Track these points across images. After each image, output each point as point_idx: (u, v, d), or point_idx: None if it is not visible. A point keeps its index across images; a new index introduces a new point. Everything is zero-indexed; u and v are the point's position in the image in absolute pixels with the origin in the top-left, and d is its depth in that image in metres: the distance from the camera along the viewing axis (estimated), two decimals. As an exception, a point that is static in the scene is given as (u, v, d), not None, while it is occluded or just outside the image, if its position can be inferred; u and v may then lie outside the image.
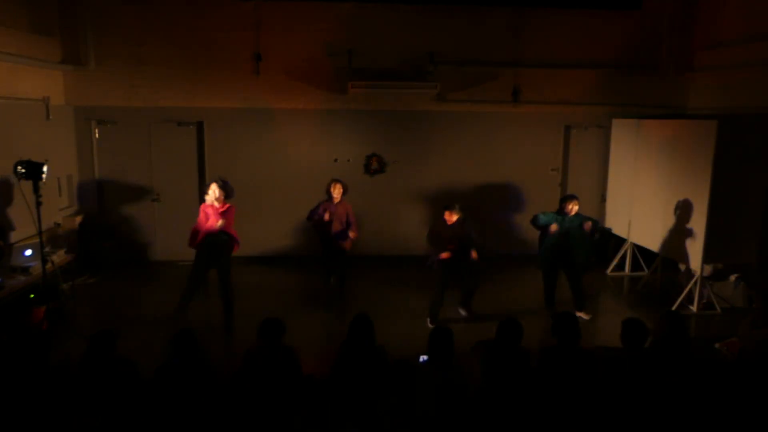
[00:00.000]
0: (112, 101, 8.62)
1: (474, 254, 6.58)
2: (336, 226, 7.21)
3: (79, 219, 8.46)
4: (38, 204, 5.34)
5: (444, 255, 6.52)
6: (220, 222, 6.29)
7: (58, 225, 8.00)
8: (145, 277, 8.44)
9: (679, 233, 7.38)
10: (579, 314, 6.86)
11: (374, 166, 9.10)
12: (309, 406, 4.06)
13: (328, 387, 4.19)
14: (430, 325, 6.49)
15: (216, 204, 6.44)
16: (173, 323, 6.48)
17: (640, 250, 8.61)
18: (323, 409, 4.05)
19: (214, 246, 6.49)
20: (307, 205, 8.88)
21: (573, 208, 6.80)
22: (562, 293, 7.21)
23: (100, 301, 7.50)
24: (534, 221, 6.96)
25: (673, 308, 7.13)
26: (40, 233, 5.59)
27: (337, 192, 7.25)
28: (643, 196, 8.16)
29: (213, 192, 6.42)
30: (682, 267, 7.83)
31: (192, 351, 4.09)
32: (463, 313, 6.83)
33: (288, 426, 3.92)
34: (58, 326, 6.15)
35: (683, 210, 7.30)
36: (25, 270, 6.23)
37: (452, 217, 6.60)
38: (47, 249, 6.16)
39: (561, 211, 6.88)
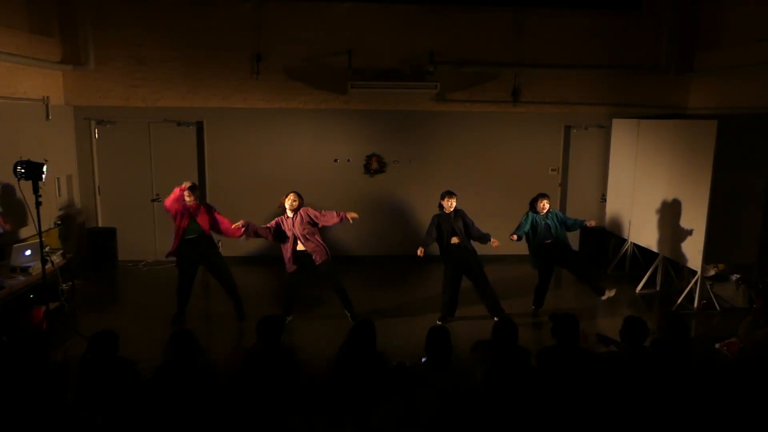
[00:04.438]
0: (112, 101, 8.62)
1: (495, 242, 6.68)
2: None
3: (79, 219, 8.46)
4: (38, 204, 5.33)
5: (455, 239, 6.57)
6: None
7: (58, 225, 8.00)
8: (145, 277, 8.43)
9: (679, 233, 7.38)
10: (605, 296, 6.97)
11: (374, 166, 9.10)
12: (308, 407, 4.06)
13: (327, 389, 4.18)
14: (439, 321, 6.50)
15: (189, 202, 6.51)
16: (173, 323, 6.52)
17: (639, 251, 8.61)
18: (322, 409, 4.05)
19: (190, 246, 6.55)
20: (307, 205, 8.89)
21: (544, 205, 6.88)
22: (562, 293, 7.22)
23: (100, 301, 7.50)
24: (518, 232, 6.97)
25: (673, 308, 7.14)
26: (39, 233, 5.58)
27: (290, 204, 6.48)
28: (643, 196, 8.16)
29: (187, 194, 6.48)
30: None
31: (190, 351, 4.08)
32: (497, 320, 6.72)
33: (287, 426, 3.91)
34: (58, 326, 6.15)
35: (683, 210, 7.31)
36: (25, 270, 6.22)
37: (453, 203, 6.61)
38: (47, 249, 6.15)
39: (533, 209, 6.97)
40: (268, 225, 6.58)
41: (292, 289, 6.65)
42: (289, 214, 6.48)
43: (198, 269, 6.79)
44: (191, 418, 3.86)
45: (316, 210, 6.54)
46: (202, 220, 6.57)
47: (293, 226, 6.47)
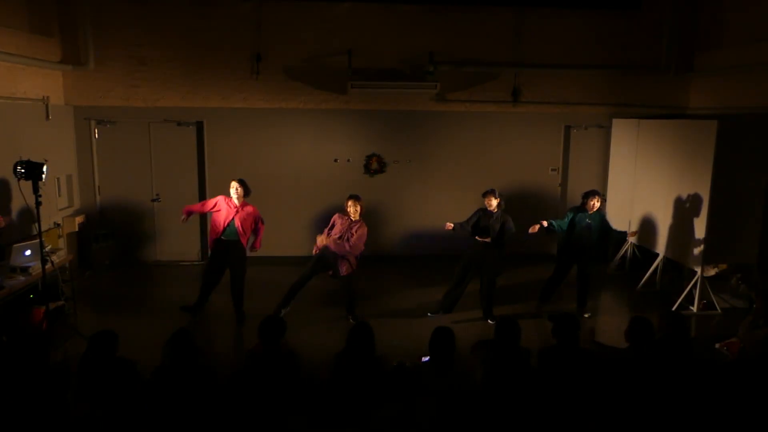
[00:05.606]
0: (112, 101, 8.61)
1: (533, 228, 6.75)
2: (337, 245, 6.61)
3: (79, 219, 8.46)
4: (38, 204, 5.33)
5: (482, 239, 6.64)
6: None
7: (58, 225, 8.00)
8: (145, 278, 8.43)
9: (679, 233, 7.39)
10: (584, 315, 6.97)
11: (374, 166, 9.10)
12: (309, 408, 4.06)
13: (328, 392, 4.16)
14: (429, 314, 6.52)
15: (236, 201, 6.64)
16: (174, 323, 6.51)
17: (640, 250, 8.61)
18: (323, 411, 4.04)
19: (226, 246, 6.65)
20: (307, 204, 8.90)
21: (595, 204, 6.83)
22: (563, 294, 7.22)
23: (100, 301, 7.50)
24: (557, 222, 7.00)
25: (674, 308, 7.13)
26: (39, 233, 5.58)
27: (353, 211, 6.60)
28: (643, 196, 8.16)
29: (235, 190, 6.62)
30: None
31: (188, 352, 4.07)
32: (491, 323, 6.72)
33: (287, 428, 3.91)
34: (58, 326, 6.15)
35: (683, 210, 7.31)
36: (24, 270, 6.22)
37: (492, 203, 6.64)
38: (47, 249, 6.16)
39: (582, 207, 6.91)
40: (329, 227, 6.74)
41: (298, 284, 6.66)
42: (354, 218, 6.59)
43: (224, 272, 6.80)
44: (190, 419, 3.86)
45: (361, 236, 6.56)
46: (243, 222, 6.61)
47: (344, 226, 6.58)
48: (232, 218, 6.60)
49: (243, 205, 6.67)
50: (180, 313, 6.75)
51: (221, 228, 6.60)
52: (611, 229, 7.02)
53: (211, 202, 6.78)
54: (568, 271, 7.05)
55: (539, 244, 8.80)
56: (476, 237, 6.67)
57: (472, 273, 6.76)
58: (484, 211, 6.72)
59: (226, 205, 6.65)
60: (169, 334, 4.14)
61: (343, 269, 6.57)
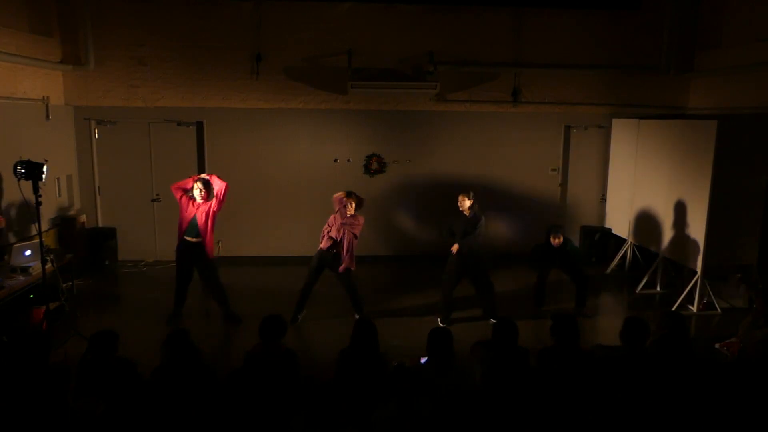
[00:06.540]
0: (112, 101, 8.61)
1: (455, 247, 6.63)
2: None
3: (79, 219, 8.46)
4: (38, 204, 5.33)
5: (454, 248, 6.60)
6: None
7: (58, 225, 8.00)
8: (144, 278, 8.43)
9: (679, 233, 7.39)
10: (582, 314, 6.95)
11: (374, 166, 9.09)
12: (308, 408, 4.06)
13: (328, 392, 4.17)
14: (441, 324, 6.52)
15: (199, 200, 6.50)
16: (168, 323, 6.52)
17: (640, 251, 8.61)
18: (323, 411, 4.04)
19: (189, 248, 6.60)
20: (307, 205, 8.91)
21: (557, 242, 6.94)
22: (560, 293, 7.24)
23: (100, 301, 7.50)
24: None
25: (673, 308, 7.13)
26: (39, 233, 5.58)
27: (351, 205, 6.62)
28: (643, 196, 8.16)
29: (199, 191, 6.48)
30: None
31: (186, 352, 4.07)
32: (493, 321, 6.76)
33: (286, 428, 3.91)
34: (58, 326, 6.15)
35: (683, 210, 7.31)
36: (25, 270, 6.22)
37: (464, 203, 6.58)
38: (46, 249, 6.16)
39: (546, 245, 7.05)
40: (323, 235, 6.72)
41: (306, 290, 6.68)
42: (350, 213, 6.60)
43: (193, 271, 6.77)
44: (190, 418, 3.85)
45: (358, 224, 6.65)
46: (201, 217, 6.49)
47: (340, 219, 6.59)
48: (193, 216, 6.48)
49: (204, 203, 6.51)
50: (174, 320, 6.73)
51: (184, 226, 6.53)
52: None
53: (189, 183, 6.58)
54: (549, 271, 7.14)
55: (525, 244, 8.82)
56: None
57: (460, 277, 6.74)
58: (457, 216, 6.66)
59: (189, 204, 6.51)
60: (167, 333, 4.15)
61: (342, 267, 6.58)
